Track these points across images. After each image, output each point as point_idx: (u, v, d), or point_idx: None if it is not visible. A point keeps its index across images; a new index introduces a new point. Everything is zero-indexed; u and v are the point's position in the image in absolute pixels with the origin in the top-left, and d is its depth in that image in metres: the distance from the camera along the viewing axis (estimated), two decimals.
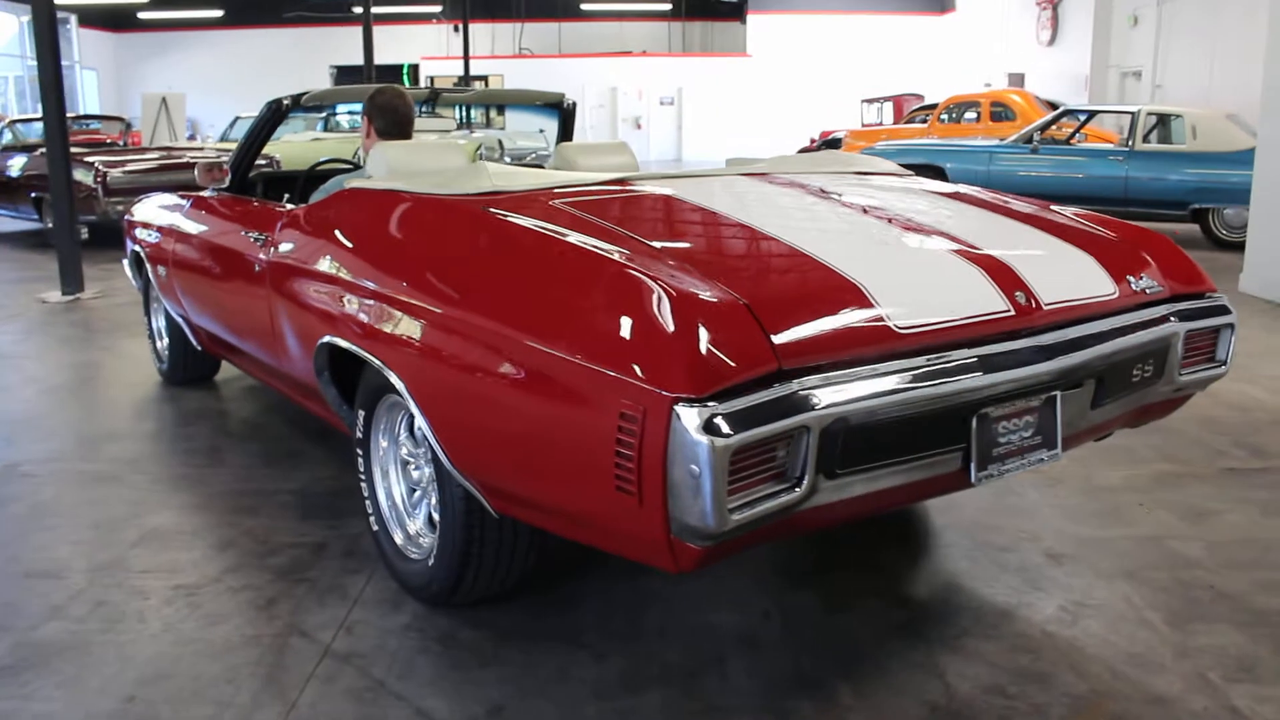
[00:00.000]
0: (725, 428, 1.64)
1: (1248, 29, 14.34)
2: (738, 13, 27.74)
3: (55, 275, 7.54)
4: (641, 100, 27.31)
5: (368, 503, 2.72)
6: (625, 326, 1.79)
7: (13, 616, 2.54)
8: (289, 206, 3.21)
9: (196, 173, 3.81)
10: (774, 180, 2.77)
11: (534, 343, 1.90)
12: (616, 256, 1.98)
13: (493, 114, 27.22)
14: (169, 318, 4.51)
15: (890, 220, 2.42)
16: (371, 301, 2.42)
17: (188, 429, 4.09)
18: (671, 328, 1.73)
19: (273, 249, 3.08)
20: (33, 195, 9.68)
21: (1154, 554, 2.89)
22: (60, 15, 25.23)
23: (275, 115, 3.69)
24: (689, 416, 1.64)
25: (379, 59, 28.07)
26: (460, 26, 27.17)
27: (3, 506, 3.28)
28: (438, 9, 26.41)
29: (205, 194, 4.02)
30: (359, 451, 2.73)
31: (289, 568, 2.80)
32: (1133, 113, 10.38)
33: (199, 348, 4.40)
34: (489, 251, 2.20)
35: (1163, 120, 10.70)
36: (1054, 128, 11.27)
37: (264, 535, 3.01)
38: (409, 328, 2.26)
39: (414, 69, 27.27)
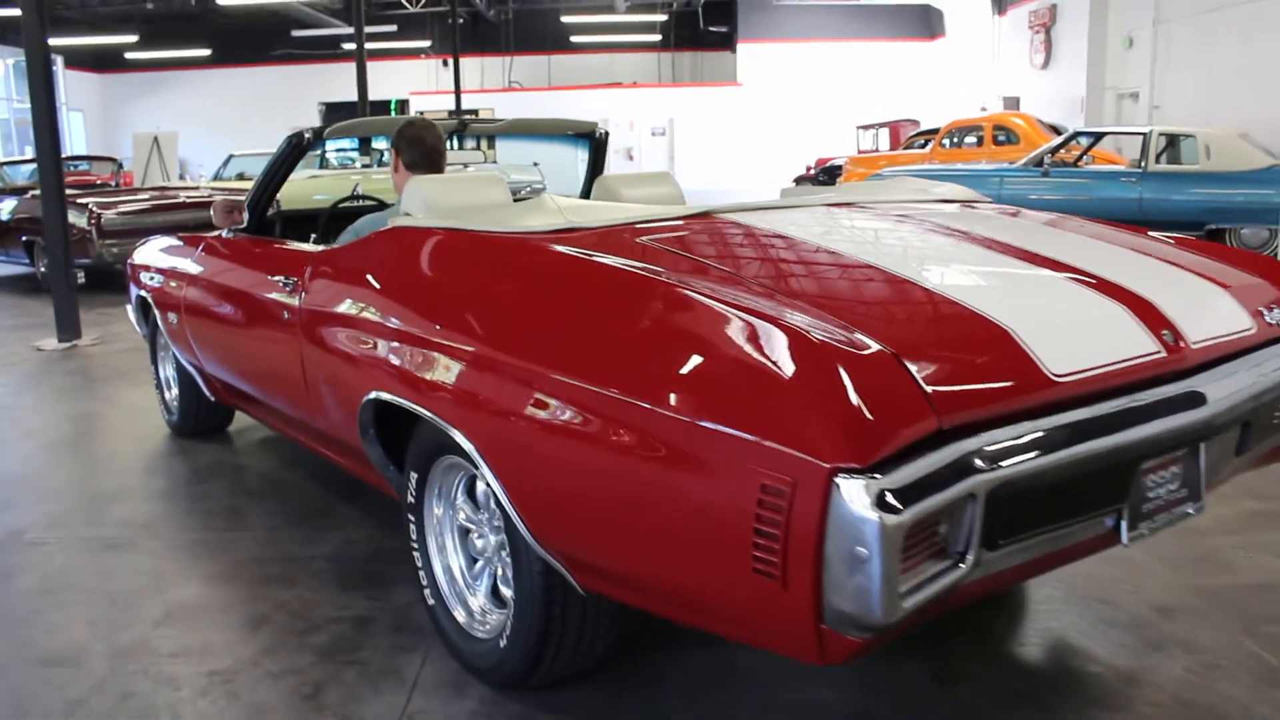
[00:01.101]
0: (897, 502, 1.39)
1: (1244, 49, 14.31)
2: (727, 42, 27.75)
3: (50, 321, 7.26)
4: (633, 131, 27.22)
5: (421, 574, 2.45)
6: (765, 384, 1.54)
7: (27, 713, 2.26)
8: (319, 248, 2.96)
9: (213, 213, 3.55)
10: (872, 211, 2.52)
11: (645, 403, 1.64)
12: (740, 303, 1.72)
13: (483, 146, 27.16)
14: (179, 366, 4.24)
15: (1014, 254, 2.17)
16: (431, 353, 2.17)
17: (202, 487, 3.81)
18: (824, 385, 1.48)
19: (304, 294, 2.83)
20: (23, 239, 9.41)
21: (1268, 604, 2.66)
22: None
23: (296, 150, 3.46)
24: (854, 490, 1.39)
25: (368, 95, 28.01)
26: (449, 61, 27.16)
27: (9, 580, 2.99)
28: (426, 44, 26.34)
29: (220, 235, 3.77)
30: (410, 518, 2.46)
31: (333, 647, 2.52)
32: (1144, 134, 10.25)
33: (212, 398, 4.13)
34: (578, 297, 1.94)
35: (1171, 141, 10.56)
36: (1061, 151, 11.13)
37: (301, 609, 2.73)
38: (480, 383, 2.00)
39: (403, 104, 27.13)
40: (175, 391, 4.49)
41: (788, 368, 1.53)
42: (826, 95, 26.33)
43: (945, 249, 2.21)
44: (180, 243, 4.14)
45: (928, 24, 26.34)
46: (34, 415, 5.07)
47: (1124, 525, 1.84)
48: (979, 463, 1.52)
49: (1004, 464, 1.55)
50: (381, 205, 3.94)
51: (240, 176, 12.67)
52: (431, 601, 2.43)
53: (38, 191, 9.75)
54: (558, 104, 26.30)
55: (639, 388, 1.66)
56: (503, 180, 3.02)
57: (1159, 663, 2.41)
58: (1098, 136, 11.31)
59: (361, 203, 3.99)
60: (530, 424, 1.86)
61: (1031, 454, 1.59)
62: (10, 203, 9.72)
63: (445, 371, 2.11)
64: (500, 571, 2.29)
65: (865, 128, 20.35)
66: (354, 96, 28.70)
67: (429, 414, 2.17)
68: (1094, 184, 10.33)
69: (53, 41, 9.17)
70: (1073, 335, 1.85)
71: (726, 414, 1.54)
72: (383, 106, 28.66)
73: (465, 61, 24.17)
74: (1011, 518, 1.59)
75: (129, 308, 4.89)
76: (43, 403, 5.36)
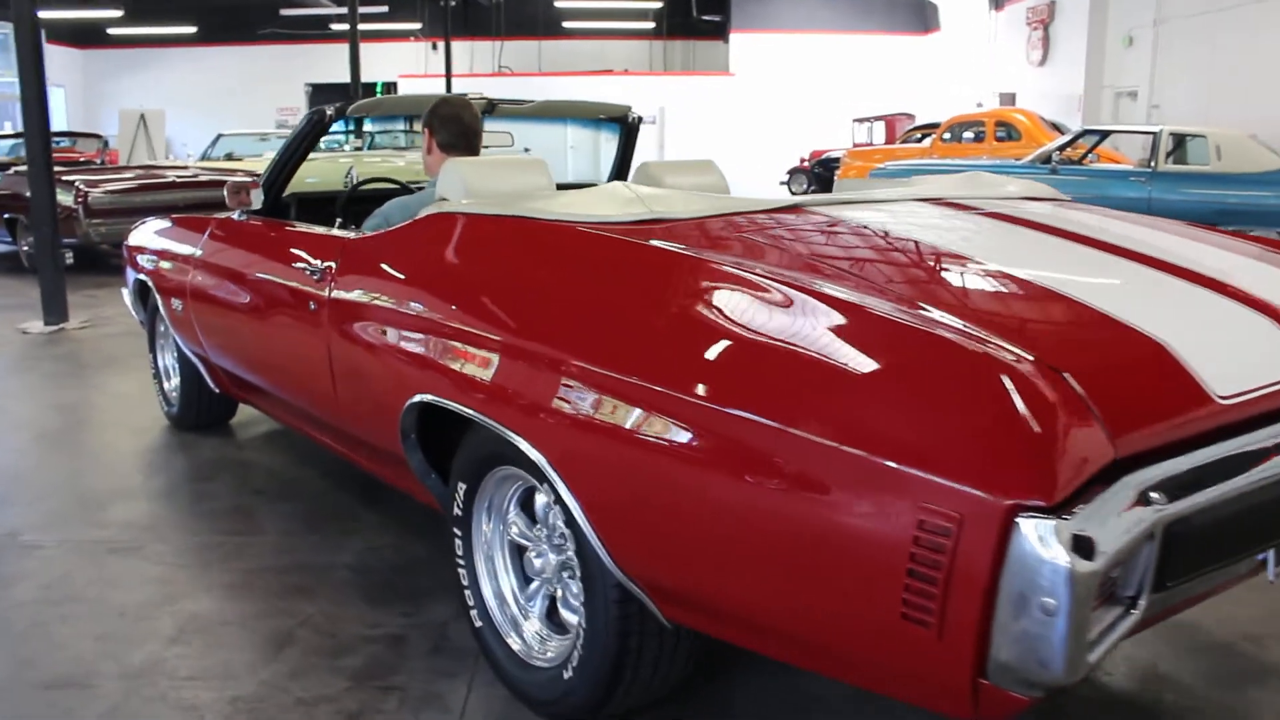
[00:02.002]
0: (1087, 545, 1.19)
1: (1246, 50, 14.21)
2: (720, 31, 27.49)
3: (33, 303, 6.99)
4: None
5: (467, 593, 2.24)
6: (925, 406, 1.34)
7: None
8: (350, 233, 2.73)
9: (226, 193, 3.31)
10: (974, 211, 2.31)
11: (775, 422, 1.43)
12: (885, 312, 1.52)
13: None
14: (182, 356, 3.99)
15: (1143, 261, 1.97)
16: (492, 354, 1.95)
17: (207, 485, 3.58)
18: (999, 409, 1.28)
19: (334, 284, 2.60)
20: (5, 216, 9.09)
21: None
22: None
23: (317, 128, 3.23)
24: (1040, 531, 1.19)
25: (349, 76, 27.57)
26: (438, 45, 26.77)
27: (6, 589, 2.76)
28: (417, 26, 25.94)
29: (232, 217, 3.53)
30: (456, 532, 2.25)
31: (367, 670, 2.31)
32: (1154, 133, 10.12)
33: (216, 390, 3.89)
34: (689, 300, 1.71)
35: (1178, 142, 10.43)
36: (1068, 149, 10.98)
37: (327, 626, 2.51)
38: (557, 391, 1.78)
39: (389, 87, 26.72)
40: (175, 382, 4.26)
41: (953, 388, 1.33)
42: (819, 87, 26.12)
43: (1070, 254, 2.01)
44: (185, 224, 3.89)
45: (922, 18, 26.17)
46: (22, 405, 4.81)
47: (1271, 560, 1.65)
48: (1156, 497, 1.33)
49: (1181, 498, 1.36)
50: (403, 188, 3.72)
51: (229, 156, 12.35)
52: (479, 623, 2.22)
53: (21, 168, 9.46)
54: (549, 89, 25.91)
55: (767, 405, 1.45)
56: (544, 164, 2.81)
57: (1258, 695, 2.25)
58: (1104, 135, 11.17)
59: (382, 185, 3.76)
60: (621, 440, 1.65)
61: (1208, 486, 1.40)
62: None
63: (511, 375, 1.90)
64: (560, 594, 2.09)
65: (860, 121, 20.19)
66: (341, 78, 28.28)
67: (488, 421, 1.95)
68: (1103, 183, 10.18)
69: (38, 15, 8.84)
70: (1227, 352, 1.66)
71: (877, 439, 1.34)
72: (370, 89, 28.25)
73: (455, 45, 23.83)
74: (1183, 556, 1.41)
75: (125, 292, 4.64)
76: (30, 391, 5.10)
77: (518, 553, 2.21)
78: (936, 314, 1.51)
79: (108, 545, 3.05)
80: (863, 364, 1.43)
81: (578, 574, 1.91)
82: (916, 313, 1.51)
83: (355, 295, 2.49)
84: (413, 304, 2.25)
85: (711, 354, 1.57)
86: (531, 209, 2.16)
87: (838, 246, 1.95)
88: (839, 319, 1.52)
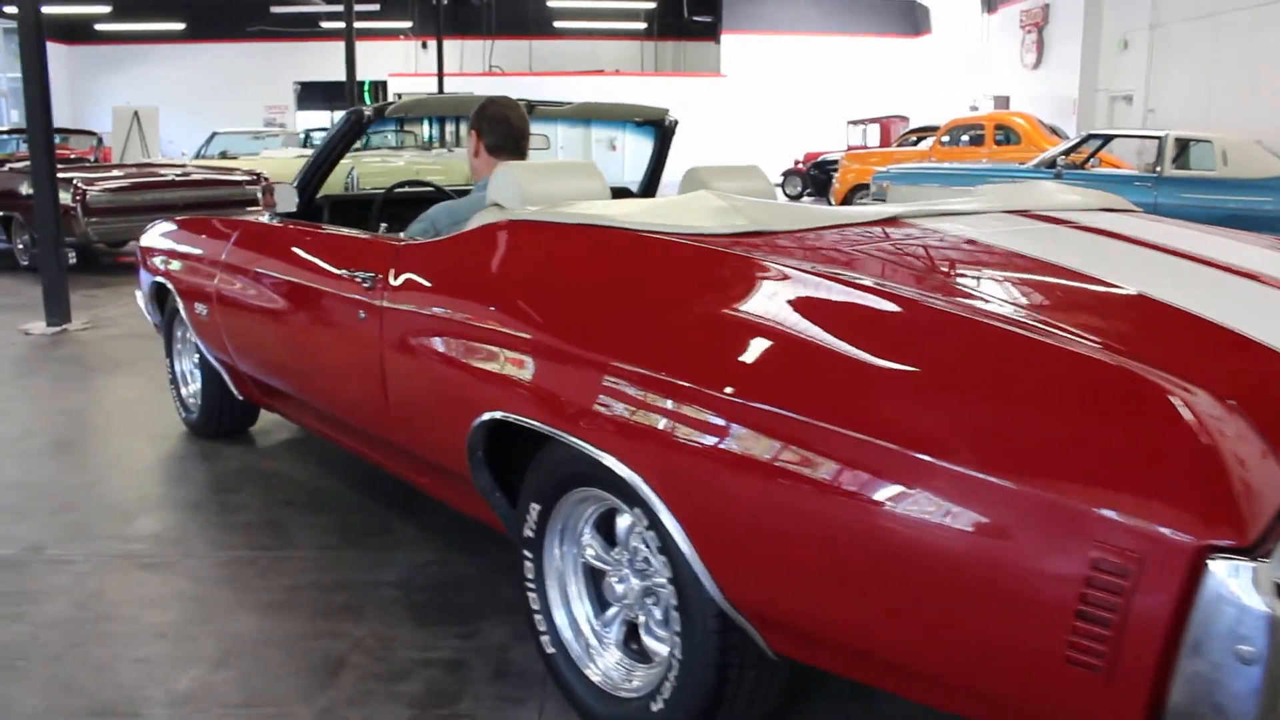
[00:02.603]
0: None
1: (1244, 54, 14.24)
2: (711, 32, 27.45)
3: (31, 302, 6.86)
4: None
5: (538, 618, 2.15)
6: (1098, 438, 1.25)
7: None
8: (402, 239, 2.63)
9: (275, 195, 3.21)
10: (1071, 224, 2.23)
11: (921, 454, 1.35)
12: (1035, 331, 1.43)
13: (463, 131, 26.58)
14: (203, 362, 3.87)
15: (1262, 280, 1.89)
16: (582, 372, 1.85)
17: (235, 496, 3.46)
18: (1183, 442, 1.20)
19: (388, 293, 2.50)
20: (0, 214, 8.91)
21: None
22: (12, 26, 24.17)
23: (355, 128, 3.13)
24: (1236, 574, 1.11)
25: (341, 75, 27.34)
26: (428, 44, 26.59)
27: (39, 605, 2.64)
28: (407, 25, 25.77)
29: (262, 220, 3.42)
30: (527, 555, 2.16)
31: (428, 698, 2.21)
32: (1159, 138, 10.10)
33: (240, 397, 3.78)
34: (821, 319, 1.60)
35: (1183, 147, 10.41)
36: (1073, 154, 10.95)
37: (380, 649, 2.41)
38: (660, 411, 1.69)
39: (376, 86, 26.49)
40: (194, 388, 4.14)
41: (1128, 419, 1.24)
42: (811, 89, 26.11)
43: (1190, 273, 1.92)
44: (208, 225, 3.78)
45: (913, 20, 26.21)
46: (31, 410, 4.68)
47: None
48: None
49: None
50: (440, 191, 3.62)
51: (223, 155, 12.20)
52: (550, 650, 2.12)
53: (15, 165, 9.29)
54: (540, 89, 25.76)
55: (916, 435, 1.36)
56: (596, 168, 2.72)
57: None
58: (1107, 139, 11.15)
59: (420, 188, 3.66)
60: (736, 464, 1.56)
61: None
62: None
63: (603, 394, 1.80)
64: (642, 620, 1.99)
65: (855, 123, 20.16)
66: (330, 76, 28.05)
67: (577, 440, 1.86)
68: (1108, 188, 10.10)
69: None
70: None
71: (1045, 473, 1.25)
72: (358, 88, 28.03)
73: (446, 44, 23.69)
74: None
75: (139, 294, 4.52)
76: (38, 396, 4.96)
77: (591, 576, 2.12)
78: (1089, 338, 1.43)
79: (138, 560, 2.94)
80: (1025, 392, 1.34)
81: (671, 601, 1.81)
82: (1074, 337, 1.42)
83: (414, 305, 2.39)
84: (484, 316, 2.14)
85: (846, 377, 1.48)
86: (613, 218, 2.06)
87: (963, 264, 1.86)
88: (995, 344, 1.43)
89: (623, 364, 1.77)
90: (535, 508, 2.12)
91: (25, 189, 8.30)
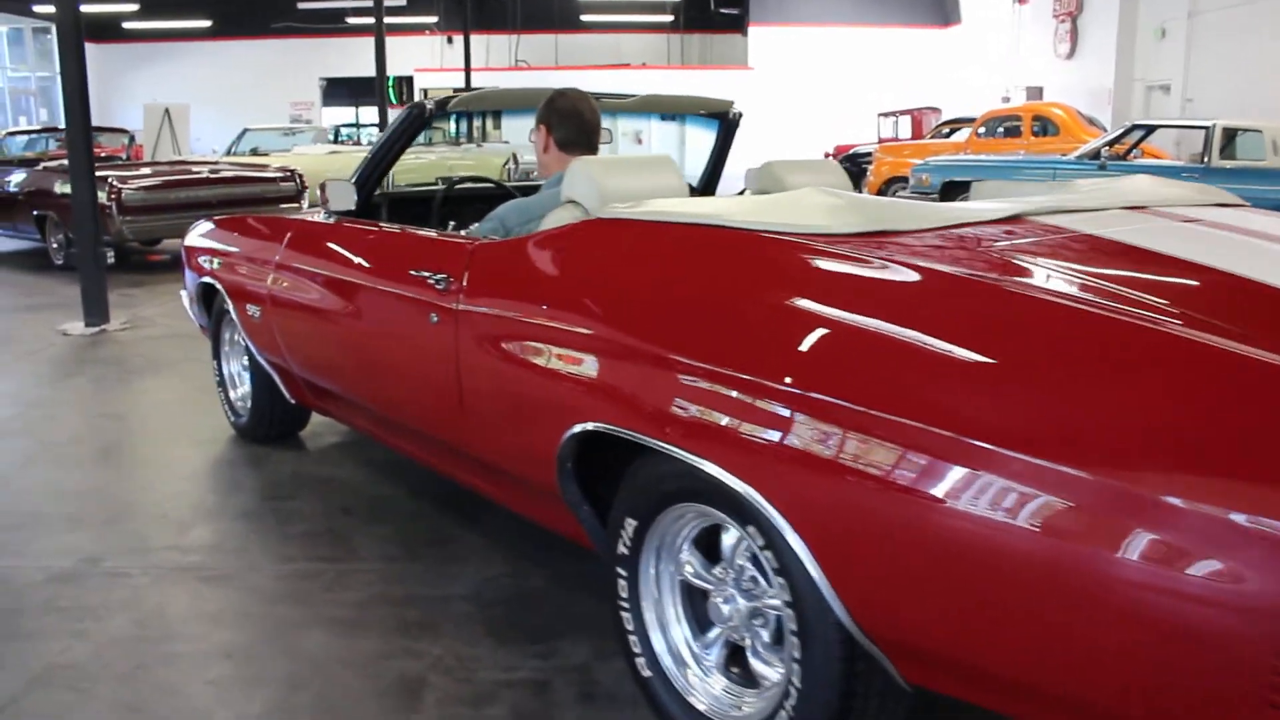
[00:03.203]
0: None
1: None
2: (738, 25, 27.21)
3: (68, 302, 6.81)
4: None
5: (632, 639, 2.03)
6: None
7: None
8: (476, 238, 2.51)
9: (329, 192, 3.10)
10: (1205, 223, 2.08)
11: (1078, 471, 1.22)
12: (1219, 343, 1.30)
13: (489, 125, 26.50)
14: (254, 364, 3.77)
15: None
16: (694, 381, 1.73)
17: (291, 504, 3.36)
18: None
19: (464, 295, 2.38)
20: (34, 213, 8.88)
21: None
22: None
23: (417, 122, 3.02)
24: None
25: (367, 70, 27.31)
26: (453, 39, 26.52)
27: (100, 623, 2.54)
28: (433, 20, 25.70)
29: (317, 218, 3.31)
30: (621, 573, 2.04)
31: None
32: (1206, 128, 9.86)
33: (292, 400, 3.68)
34: (966, 326, 1.48)
35: (1230, 137, 10.16)
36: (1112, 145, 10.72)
37: (460, 669, 2.29)
38: (784, 424, 1.56)
39: (401, 81, 26.44)
40: (242, 390, 4.05)
41: None
42: (839, 81, 25.83)
43: None
44: (261, 224, 3.68)
45: (943, 11, 25.90)
46: (75, 413, 4.60)
47: None
48: None
49: None
50: (500, 186, 3.51)
51: (254, 151, 12.14)
52: (647, 674, 2.00)
53: (50, 163, 9.26)
54: (565, 83, 25.54)
55: (1094, 457, 1.23)
56: (672, 162, 2.60)
57: None
58: (1150, 129, 10.91)
59: (480, 183, 3.54)
60: (876, 484, 1.43)
61: None
62: (19, 175, 9.17)
63: (718, 405, 1.68)
64: (749, 643, 1.87)
65: (886, 115, 19.92)
66: (355, 72, 28.01)
67: (684, 453, 1.73)
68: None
69: (50, 9, 8.63)
70: None
71: (1248, 501, 1.11)
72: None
73: (471, 39, 23.61)
74: None
75: (184, 294, 4.43)
76: (81, 398, 4.88)
77: (688, 594, 2.00)
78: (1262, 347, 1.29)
79: (198, 573, 2.84)
80: (1223, 412, 1.21)
81: (789, 625, 1.68)
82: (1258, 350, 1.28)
83: (495, 308, 2.27)
84: (575, 320, 2.02)
85: (999, 390, 1.35)
86: (720, 217, 1.93)
87: (1116, 268, 1.71)
88: (1184, 358, 1.29)
89: (739, 373, 1.65)
90: (631, 523, 2.00)
91: (60, 188, 8.26)
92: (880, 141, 18.75)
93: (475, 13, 25.07)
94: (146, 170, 9.07)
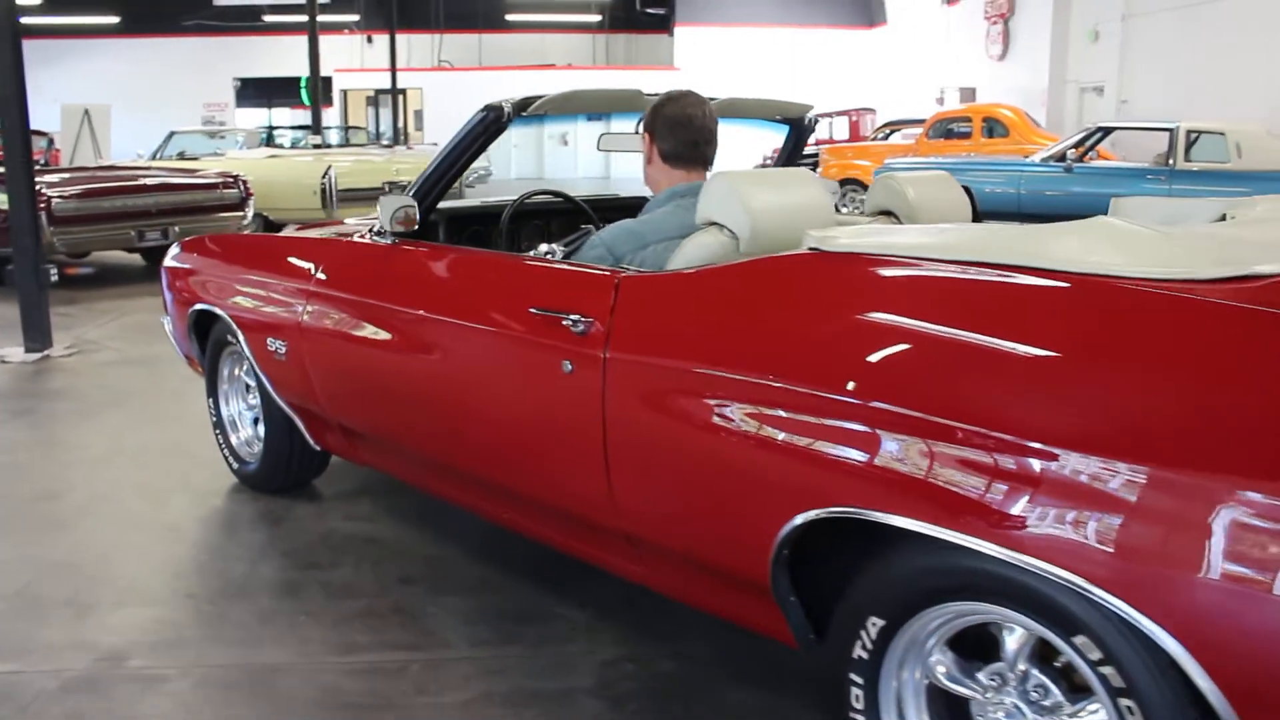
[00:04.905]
0: None
1: (1222, 44, 14.17)
2: (664, 25, 26.95)
3: (3, 325, 6.11)
4: None
5: None
6: None
7: None
8: (629, 270, 2.09)
9: (381, 208, 2.64)
10: None
11: None
12: None
13: (411, 125, 25.67)
14: (269, 405, 3.26)
15: None
16: (1028, 464, 1.35)
17: (337, 573, 2.88)
18: None
19: (613, 342, 1.96)
20: None
21: None
22: None
23: (493, 127, 2.59)
24: None
25: (282, 71, 26.28)
26: (373, 38, 25.68)
27: None
28: (354, 18, 24.84)
29: (363, 238, 2.85)
30: (855, 679, 1.66)
31: None
32: (1170, 130, 9.88)
33: (317, 447, 3.21)
34: None
35: (1193, 140, 10.16)
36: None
37: None
38: (1160, 521, 1.21)
39: (326, 82, 25.48)
40: (246, 434, 3.55)
41: None
42: (766, 83, 25.71)
43: None
44: (286, 244, 3.20)
45: (867, 12, 26.03)
46: (38, 460, 4.01)
47: None
48: None
49: None
50: (568, 199, 3.09)
51: (181, 155, 11.36)
52: None
53: None
54: (489, 84, 25.02)
55: None
56: (814, 176, 2.24)
57: None
58: (1107, 131, 10.91)
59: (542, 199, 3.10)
60: None
61: None
62: None
63: (1073, 494, 1.31)
64: None
65: (822, 116, 19.82)
66: (270, 72, 26.95)
67: (998, 549, 1.38)
68: (1120, 181, 9.90)
69: None
70: None
71: None
72: (293, 83, 27.00)
73: (389, 38, 22.86)
74: None
75: (166, 322, 3.90)
76: (41, 440, 4.29)
77: (931, 696, 1.63)
78: None
79: (251, 672, 2.35)
80: None
81: None
82: None
83: (668, 361, 1.86)
84: (812, 382, 1.62)
85: None
86: (1004, 253, 1.55)
87: None
88: None
89: (1103, 459, 1.28)
90: (876, 623, 1.62)
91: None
92: (818, 143, 18.65)
93: (398, 12, 24.32)
94: (76, 176, 8.33)
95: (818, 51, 26.22)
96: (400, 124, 23.49)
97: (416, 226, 2.63)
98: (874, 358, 1.57)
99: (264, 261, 3.21)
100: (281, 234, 3.69)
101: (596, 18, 26.59)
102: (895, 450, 1.51)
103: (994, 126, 13.74)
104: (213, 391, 3.63)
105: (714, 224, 2.10)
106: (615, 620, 2.55)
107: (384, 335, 2.62)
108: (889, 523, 1.52)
